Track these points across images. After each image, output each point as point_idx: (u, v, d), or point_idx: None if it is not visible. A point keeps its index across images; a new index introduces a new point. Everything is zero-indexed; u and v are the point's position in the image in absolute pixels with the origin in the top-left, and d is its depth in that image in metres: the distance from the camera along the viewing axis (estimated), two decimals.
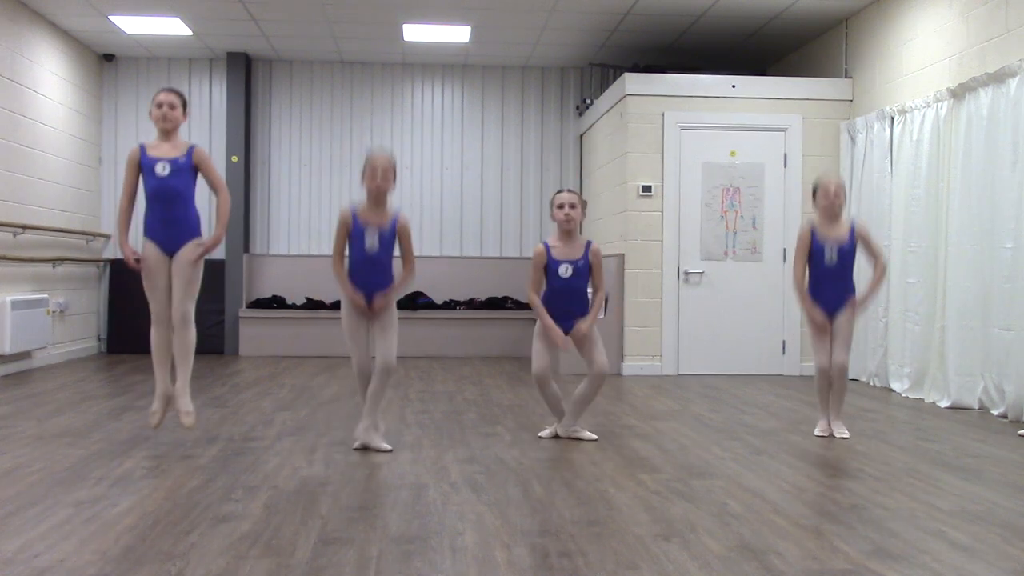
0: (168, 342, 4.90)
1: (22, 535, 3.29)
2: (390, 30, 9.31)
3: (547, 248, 5.21)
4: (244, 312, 10.18)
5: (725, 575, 2.96)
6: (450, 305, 10.54)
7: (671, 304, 8.52)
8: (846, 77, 8.58)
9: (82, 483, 4.06)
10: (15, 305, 7.92)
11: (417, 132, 10.84)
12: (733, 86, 8.60)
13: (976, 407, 6.44)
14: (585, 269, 5.19)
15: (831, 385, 5.42)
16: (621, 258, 8.49)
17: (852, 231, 5.39)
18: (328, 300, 10.07)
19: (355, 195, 8.62)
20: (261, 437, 5.23)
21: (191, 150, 4.89)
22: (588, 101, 10.36)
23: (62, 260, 9.11)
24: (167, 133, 4.88)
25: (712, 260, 8.54)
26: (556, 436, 5.30)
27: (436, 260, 10.59)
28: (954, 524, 3.55)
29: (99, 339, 10.18)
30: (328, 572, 2.95)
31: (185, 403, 4.91)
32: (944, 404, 6.63)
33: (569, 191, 5.27)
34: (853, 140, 8.23)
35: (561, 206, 5.18)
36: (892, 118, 7.61)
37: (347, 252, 4.86)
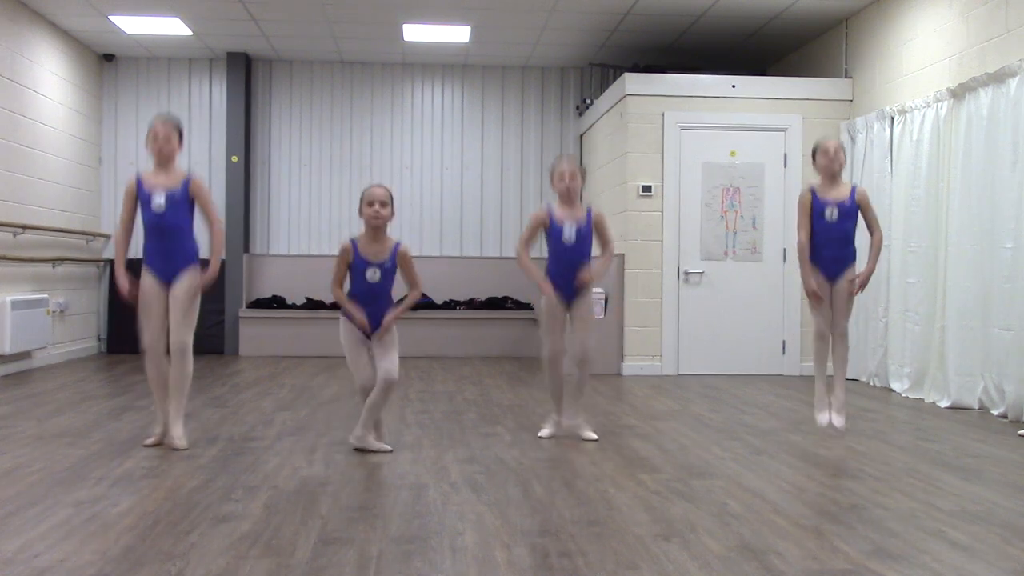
0: (161, 372, 4.89)
1: (22, 535, 3.29)
2: (390, 30, 9.31)
3: (550, 210, 5.21)
4: (244, 312, 10.18)
5: (725, 575, 2.96)
6: (450, 305, 10.54)
7: (671, 304, 8.52)
8: (846, 77, 8.58)
9: (82, 483, 4.06)
10: (15, 305, 7.92)
11: (417, 132, 10.84)
12: (733, 86, 8.61)
13: (976, 407, 6.44)
14: (589, 231, 5.19)
15: (830, 353, 5.41)
16: (621, 258, 8.49)
17: (853, 193, 5.39)
18: (328, 300, 10.05)
19: (355, 195, 8.60)
20: (261, 437, 5.23)
21: (187, 182, 4.89)
22: (588, 101, 10.36)
23: (62, 260, 9.11)
24: (163, 163, 4.89)
25: (712, 260, 8.54)
26: (554, 436, 5.30)
27: (436, 260, 10.59)
28: (954, 524, 3.54)
29: (99, 339, 10.19)
30: (328, 572, 2.95)
31: (178, 431, 4.89)
32: (944, 404, 6.63)
33: (569, 160, 5.26)
34: (853, 140, 8.23)
35: (562, 176, 5.17)
36: (892, 118, 7.61)
37: (347, 284, 4.87)
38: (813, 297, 5.39)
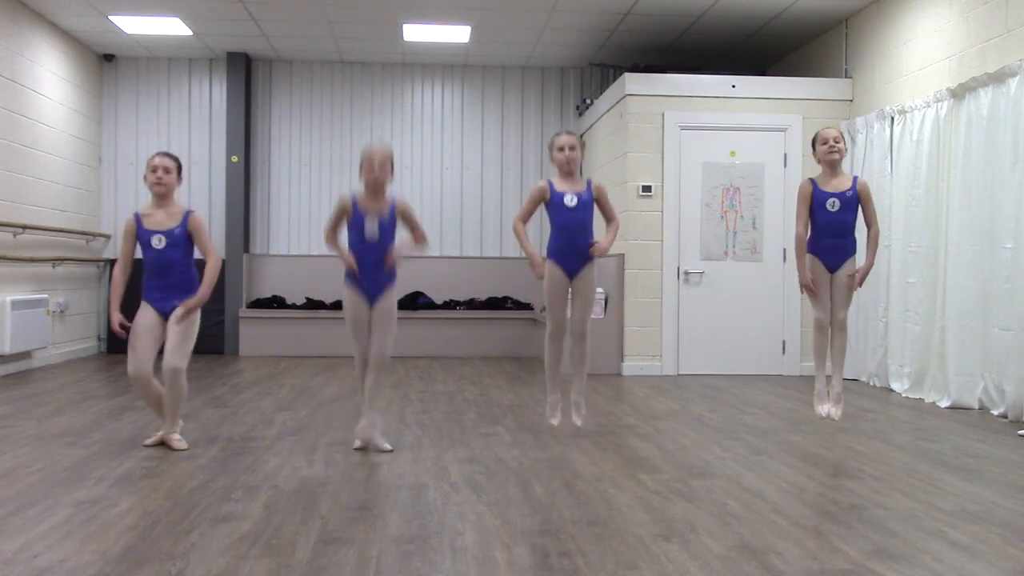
0: (152, 394, 4.90)
1: (22, 535, 3.29)
2: (390, 30, 9.31)
3: (550, 183, 5.20)
4: (244, 312, 10.18)
5: (725, 575, 2.96)
6: (450, 305, 10.54)
7: (671, 304, 8.52)
8: (846, 77, 8.58)
9: (82, 483, 4.06)
10: (15, 305, 7.92)
11: (417, 132, 10.84)
12: (733, 86, 8.60)
13: (976, 407, 6.44)
14: (590, 202, 5.18)
15: (830, 343, 5.41)
16: (621, 258, 8.49)
17: (854, 184, 5.38)
18: (328, 300, 10.06)
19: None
20: (261, 437, 5.23)
21: (186, 219, 4.91)
22: (588, 101, 10.36)
23: (62, 260, 9.11)
24: (162, 197, 4.91)
25: (712, 260, 8.54)
26: (554, 425, 5.31)
27: (436, 260, 10.59)
28: (954, 524, 3.55)
29: (99, 339, 10.19)
30: (328, 572, 2.95)
31: (176, 439, 4.89)
32: (944, 404, 6.63)
33: (568, 133, 5.26)
34: (853, 140, 8.23)
35: (561, 148, 5.16)
36: (892, 118, 7.61)
37: (346, 239, 4.85)
38: (806, 290, 5.40)
